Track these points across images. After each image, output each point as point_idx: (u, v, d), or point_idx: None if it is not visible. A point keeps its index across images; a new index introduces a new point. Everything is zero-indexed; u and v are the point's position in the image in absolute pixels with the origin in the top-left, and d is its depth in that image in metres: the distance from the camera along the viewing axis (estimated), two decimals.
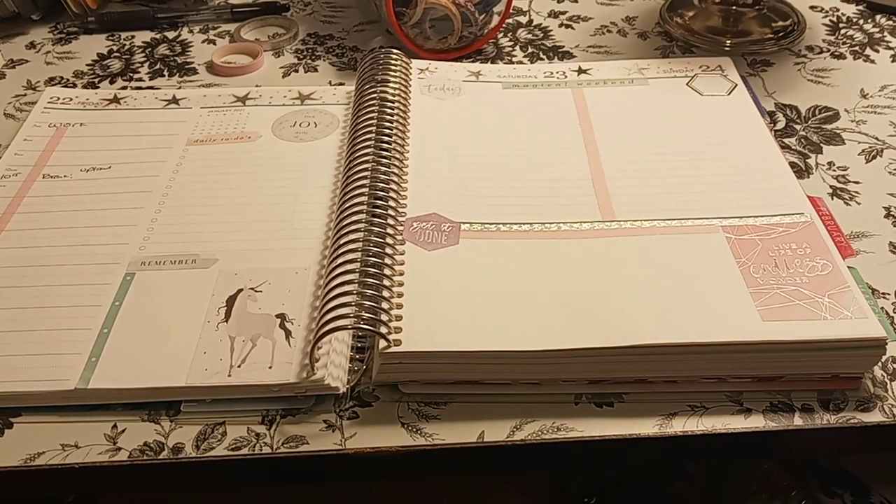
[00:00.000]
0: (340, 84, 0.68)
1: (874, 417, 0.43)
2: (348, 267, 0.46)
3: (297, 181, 0.57)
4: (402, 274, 0.47)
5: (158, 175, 0.58)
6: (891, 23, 0.74)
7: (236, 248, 0.52)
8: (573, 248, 0.49)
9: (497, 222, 0.51)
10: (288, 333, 0.46)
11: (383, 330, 0.43)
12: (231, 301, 0.48)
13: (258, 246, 0.52)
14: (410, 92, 0.62)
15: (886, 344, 0.43)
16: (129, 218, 0.55)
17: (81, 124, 0.64)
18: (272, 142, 0.61)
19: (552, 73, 0.66)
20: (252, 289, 0.49)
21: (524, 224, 0.51)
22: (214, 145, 0.61)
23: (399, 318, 0.44)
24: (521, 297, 0.46)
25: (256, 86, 0.67)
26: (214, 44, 0.75)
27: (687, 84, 0.64)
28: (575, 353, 0.43)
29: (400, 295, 0.46)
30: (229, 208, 0.55)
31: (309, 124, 0.62)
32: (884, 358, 0.45)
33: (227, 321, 0.47)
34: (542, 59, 0.71)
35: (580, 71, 0.66)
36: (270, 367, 0.44)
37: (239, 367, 0.45)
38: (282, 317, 0.47)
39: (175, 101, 0.66)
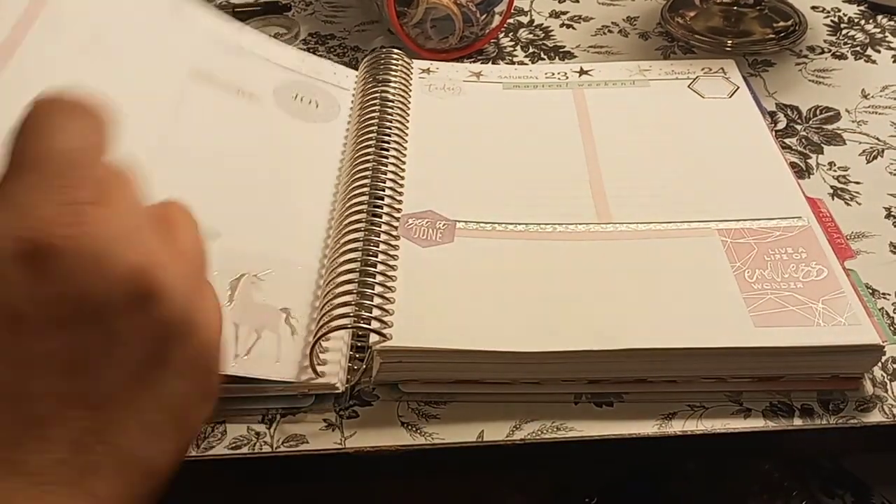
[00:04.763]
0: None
1: (874, 418, 0.43)
2: (347, 267, 0.46)
3: (303, 172, 0.55)
4: (395, 269, 0.47)
5: (156, 109, 0.51)
6: (892, 23, 0.74)
7: (240, 229, 0.48)
8: (568, 250, 0.49)
9: (493, 221, 0.51)
10: (293, 330, 0.46)
11: (375, 325, 0.44)
12: (234, 285, 0.46)
13: (262, 233, 0.49)
14: (411, 92, 0.62)
15: (883, 347, 0.43)
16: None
17: None
18: (275, 112, 0.57)
19: (553, 74, 0.66)
20: (255, 275, 0.47)
21: (520, 224, 0.51)
22: (216, 90, 0.55)
23: (392, 312, 0.45)
24: (513, 297, 0.46)
25: None
26: None
27: (689, 86, 0.64)
28: (566, 356, 0.43)
29: (394, 290, 0.46)
30: (232, 182, 0.51)
31: (311, 102, 0.60)
32: (883, 358, 0.45)
33: (230, 304, 0.45)
34: (542, 60, 0.71)
35: (582, 72, 0.66)
36: (278, 362, 0.44)
37: (245, 357, 0.43)
38: (287, 311, 0.46)
39: None
